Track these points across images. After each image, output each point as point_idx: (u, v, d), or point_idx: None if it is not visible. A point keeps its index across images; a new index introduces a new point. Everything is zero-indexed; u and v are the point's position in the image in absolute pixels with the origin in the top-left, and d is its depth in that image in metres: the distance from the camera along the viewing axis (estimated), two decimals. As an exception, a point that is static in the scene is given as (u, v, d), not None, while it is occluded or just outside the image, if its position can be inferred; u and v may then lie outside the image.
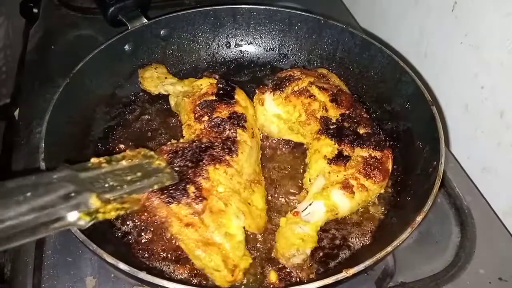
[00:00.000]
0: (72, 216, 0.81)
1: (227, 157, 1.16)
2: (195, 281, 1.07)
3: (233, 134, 1.22)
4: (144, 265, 1.08)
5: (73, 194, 0.82)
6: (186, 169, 1.11)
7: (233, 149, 1.18)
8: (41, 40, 1.81)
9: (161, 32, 1.56)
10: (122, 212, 0.94)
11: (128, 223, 1.16)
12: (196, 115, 1.27)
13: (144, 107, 1.48)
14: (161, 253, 1.10)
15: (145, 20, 1.53)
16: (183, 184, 1.08)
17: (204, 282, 1.07)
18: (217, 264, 1.01)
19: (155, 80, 1.48)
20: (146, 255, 1.10)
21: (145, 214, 1.15)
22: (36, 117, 1.46)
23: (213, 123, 1.24)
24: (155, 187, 1.01)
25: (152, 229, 1.14)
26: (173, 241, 1.12)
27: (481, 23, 1.36)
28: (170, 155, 1.14)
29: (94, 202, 0.85)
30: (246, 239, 1.09)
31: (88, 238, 0.93)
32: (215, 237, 1.04)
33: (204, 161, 1.13)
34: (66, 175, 0.85)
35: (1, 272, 1.17)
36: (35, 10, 1.97)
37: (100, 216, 0.88)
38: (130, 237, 1.13)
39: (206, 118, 1.26)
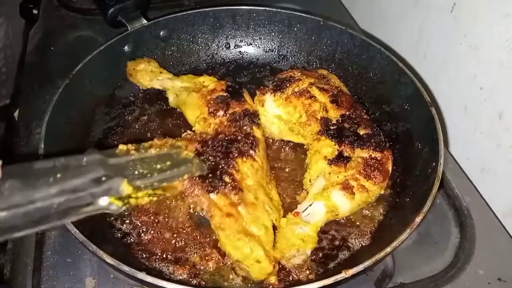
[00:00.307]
0: (104, 200, 0.79)
1: (251, 152, 1.17)
2: (195, 281, 1.07)
3: (250, 130, 1.23)
4: (143, 265, 1.08)
5: (104, 179, 0.79)
6: (218, 159, 1.12)
7: (255, 144, 1.20)
8: (41, 41, 1.81)
9: (161, 33, 1.57)
10: (155, 199, 0.93)
11: (127, 223, 1.16)
12: (211, 109, 1.28)
13: (143, 108, 1.48)
14: (161, 254, 1.11)
15: (144, 21, 1.53)
16: (219, 174, 1.09)
17: (204, 283, 1.07)
18: (259, 255, 1.01)
19: (149, 74, 1.48)
20: (145, 255, 1.10)
21: (145, 214, 1.16)
22: (35, 118, 1.46)
23: (232, 118, 1.25)
24: (185, 176, 1.00)
25: (151, 230, 1.14)
26: (173, 242, 1.12)
27: (480, 24, 1.36)
28: (199, 145, 1.15)
29: (125, 188, 0.83)
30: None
31: (87, 238, 0.93)
32: (253, 228, 1.04)
33: (233, 153, 1.15)
34: (95, 159, 0.82)
35: (0, 273, 1.17)
36: (34, 11, 1.97)
37: (133, 202, 0.86)
38: (129, 237, 1.13)
39: (221, 113, 1.27)
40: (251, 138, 1.20)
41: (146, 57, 1.53)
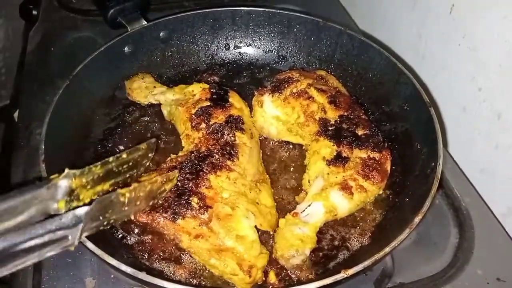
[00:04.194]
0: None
1: (228, 162, 1.17)
2: (195, 281, 1.07)
3: (232, 138, 1.23)
4: (143, 266, 1.08)
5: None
6: (187, 182, 1.12)
7: (233, 153, 1.19)
8: (41, 42, 1.82)
9: (161, 34, 1.57)
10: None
11: (127, 224, 1.16)
12: (193, 124, 1.27)
13: (143, 109, 1.48)
14: (161, 254, 1.11)
15: (144, 22, 1.53)
16: (186, 198, 1.08)
17: (204, 282, 1.08)
18: (233, 269, 1.02)
19: (144, 90, 1.46)
20: (145, 256, 1.10)
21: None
22: (35, 119, 1.46)
23: (210, 130, 1.24)
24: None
25: (151, 231, 1.14)
26: (173, 242, 1.12)
27: (478, 25, 1.36)
28: (169, 171, 1.14)
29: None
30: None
31: (87, 239, 0.94)
32: (227, 242, 1.05)
33: (204, 170, 1.14)
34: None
35: (0, 273, 1.17)
36: (34, 12, 1.97)
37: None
38: (129, 238, 1.13)
39: (203, 125, 1.26)
40: (228, 148, 1.20)
41: (141, 73, 1.52)
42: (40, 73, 1.67)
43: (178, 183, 1.12)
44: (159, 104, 1.46)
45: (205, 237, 1.05)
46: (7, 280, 1.15)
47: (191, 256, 1.11)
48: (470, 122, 1.45)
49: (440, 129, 1.20)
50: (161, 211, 1.07)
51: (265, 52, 1.69)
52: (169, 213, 1.06)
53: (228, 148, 1.20)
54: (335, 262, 1.13)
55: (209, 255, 1.04)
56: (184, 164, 1.16)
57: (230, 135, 1.23)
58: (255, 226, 1.09)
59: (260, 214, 1.12)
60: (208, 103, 1.30)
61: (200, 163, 1.16)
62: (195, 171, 1.14)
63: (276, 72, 1.55)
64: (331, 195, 1.15)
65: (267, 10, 1.62)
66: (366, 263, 0.95)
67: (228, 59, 1.69)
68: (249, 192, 1.16)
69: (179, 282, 1.05)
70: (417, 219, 1.02)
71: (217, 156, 1.18)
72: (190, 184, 1.11)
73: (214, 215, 1.07)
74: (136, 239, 1.13)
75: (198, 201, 1.09)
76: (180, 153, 1.24)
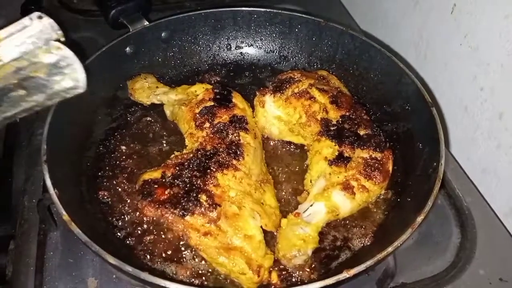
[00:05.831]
0: None
1: (234, 161, 1.17)
2: (197, 281, 1.07)
3: (237, 137, 1.23)
4: (145, 266, 1.08)
5: None
6: (195, 179, 1.12)
7: (238, 152, 1.19)
8: (42, 42, 1.81)
9: (162, 35, 1.57)
10: None
11: (129, 224, 1.16)
12: (197, 123, 1.27)
13: (145, 109, 1.48)
14: (163, 254, 1.11)
15: (146, 23, 1.53)
16: (194, 195, 1.09)
17: (206, 282, 1.08)
18: (241, 268, 1.02)
19: (146, 90, 1.47)
20: (147, 256, 1.10)
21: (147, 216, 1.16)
22: (37, 119, 1.46)
23: (215, 129, 1.24)
24: None
25: (153, 231, 1.14)
26: (175, 242, 1.13)
27: (480, 25, 1.36)
28: (176, 168, 1.15)
29: None
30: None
31: (90, 239, 0.94)
32: (235, 241, 1.05)
33: (211, 168, 1.15)
34: None
35: (2, 274, 1.17)
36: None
37: None
38: (131, 238, 1.13)
39: (207, 124, 1.26)
40: (234, 147, 1.20)
41: (143, 73, 1.52)
42: (41, 74, 1.67)
43: (186, 179, 1.12)
44: (161, 104, 1.47)
45: (214, 235, 1.05)
46: (9, 280, 1.16)
47: (193, 257, 1.11)
48: (471, 122, 1.45)
49: (442, 129, 1.20)
50: (169, 206, 1.07)
51: (267, 52, 1.69)
52: (178, 209, 1.07)
53: (233, 148, 1.20)
54: (337, 262, 1.13)
55: (218, 253, 1.04)
56: (192, 161, 1.16)
57: (235, 134, 1.24)
58: (260, 227, 1.10)
59: (265, 214, 1.13)
60: (212, 103, 1.31)
61: (207, 161, 1.16)
62: (202, 168, 1.15)
63: (277, 72, 1.55)
64: (333, 195, 1.15)
65: (268, 10, 1.62)
66: (368, 263, 0.95)
67: (229, 60, 1.69)
68: (254, 192, 1.16)
69: (181, 282, 1.05)
70: (419, 219, 1.02)
71: (223, 155, 1.18)
72: (198, 181, 1.12)
73: (222, 214, 1.08)
74: (138, 240, 1.13)
75: (207, 198, 1.09)
76: (185, 151, 1.25)
